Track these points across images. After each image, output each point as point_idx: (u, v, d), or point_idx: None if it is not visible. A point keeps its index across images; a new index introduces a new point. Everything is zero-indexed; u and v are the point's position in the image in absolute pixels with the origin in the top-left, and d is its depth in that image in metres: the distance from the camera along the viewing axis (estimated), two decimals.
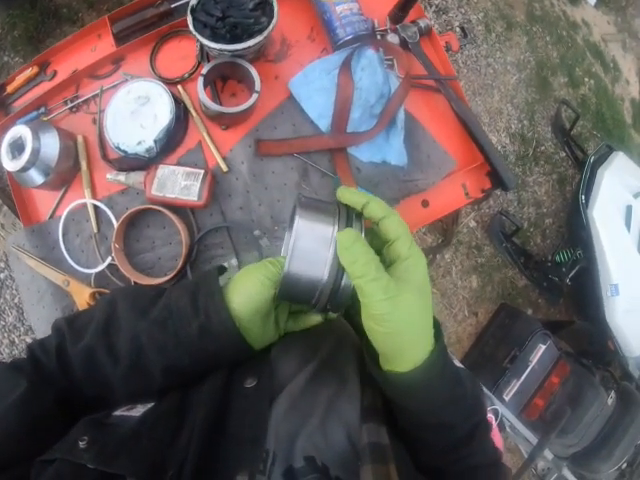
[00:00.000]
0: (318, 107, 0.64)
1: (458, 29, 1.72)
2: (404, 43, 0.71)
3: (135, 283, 0.63)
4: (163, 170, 0.62)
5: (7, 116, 0.67)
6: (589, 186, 1.34)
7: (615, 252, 1.24)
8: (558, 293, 1.46)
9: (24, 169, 0.61)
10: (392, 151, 0.66)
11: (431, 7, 1.72)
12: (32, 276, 0.64)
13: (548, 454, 1.02)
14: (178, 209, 0.63)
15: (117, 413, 0.33)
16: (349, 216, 0.34)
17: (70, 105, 0.66)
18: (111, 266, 0.63)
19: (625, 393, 1.15)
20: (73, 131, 0.66)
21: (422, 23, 0.74)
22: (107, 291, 0.62)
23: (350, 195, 0.34)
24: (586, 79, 2.02)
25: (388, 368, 0.34)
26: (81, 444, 0.28)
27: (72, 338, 0.36)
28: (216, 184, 0.63)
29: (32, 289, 0.64)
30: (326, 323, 0.40)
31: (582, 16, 2.17)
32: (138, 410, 0.33)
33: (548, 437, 0.94)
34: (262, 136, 0.63)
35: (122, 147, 0.63)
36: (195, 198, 0.60)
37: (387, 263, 0.33)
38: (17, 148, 0.61)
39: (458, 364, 1.26)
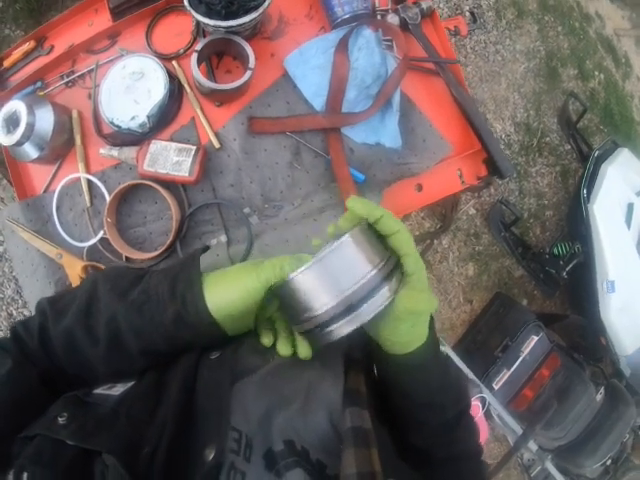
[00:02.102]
0: (313, 86, 0.62)
1: (468, 13, 1.66)
2: (404, 24, 0.69)
3: (127, 258, 0.63)
4: (155, 145, 0.60)
5: (3, 91, 0.66)
6: (592, 181, 1.30)
7: (613, 249, 1.21)
8: (554, 286, 1.43)
9: (19, 143, 0.60)
10: (386, 133, 0.64)
11: None
12: (26, 249, 0.64)
13: (532, 445, 1.02)
14: (170, 185, 0.62)
15: (97, 391, 0.33)
16: (395, 267, 0.33)
17: (66, 80, 0.65)
18: (103, 240, 0.63)
19: (614, 390, 1.14)
20: (68, 106, 0.65)
21: (424, 4, 0.72)
22: (99, 265, 0.62)
23: (363, 206, 0.33)
24: (596, 73, 1.95)
25: (392, 352, 0.37)
26: (60, 420, 0.28)
27: (54, 318, 0.35)
28: (208, 160, 0.62)
29: (26, 262, 0.64)
30: None
31: (596, 8, 2.09)
32: (118, 389, 0.33)
33: (532, 429, 0.94)
34: (256, 113, 0.62)
35: (116, 122, 0.62)
36: (186, 174, 0.59)
37: None
38: (12, 123, 0.60)
39: (450, 353, 1.26)
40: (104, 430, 0.28)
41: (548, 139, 1.72)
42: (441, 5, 1.65)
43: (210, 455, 0.28)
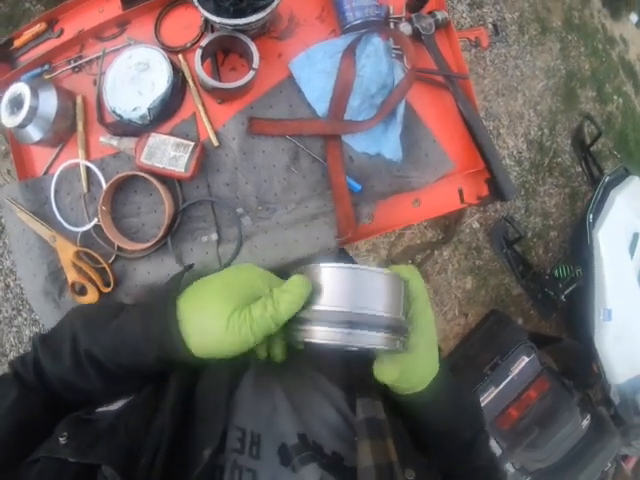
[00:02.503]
0: (317, 90, 0.60)
1: (490, 25, 1.62)
2: (417, 34, 0.66)
3: (118, 247, 0.62)
4: (154, 139, 0.59)
5: (12, 70, 0.65)
6: (599, 206, 1.27)
7: (614, 277, 1.18)
8: (551, 307, 1.40)
9: (22, 125, 0.60)
10: (388, 144, 0.62)
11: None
12: (22, 229, 0.63)
13: (510, 467, 1.00)
14: (166, 179, 0.61)
15: (99, 409, 0.34)
16: (404, 332, 0.34)
17: (73, 65, 0.64)
18: (97, 227, 0.62)
19: (600, 419, 1.11)
20: (74, 91, 0.64)
21: (440, 15, 0.69)
22: (92, 252, 0.61)
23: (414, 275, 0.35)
24: (615, 97, 1.90)
25: (405, 393, 0.36)
26: (61, 440, 0.28)
27: (45, 358, 0.35)
28: (206, 157, 0.60)
29: (22, 241, 0.63)
30: None
31: (621, 32, 2.03)
32: (118, 404, 0.33)
33: (511, 452, 0.91)
34: (257, 114, 0.60)
35: (118, 112, 0.60)
36: (182, 170, 0.58)
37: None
38: (16, 105, 0.60)
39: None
40: (103, 444, 0.28)
41: (560, 160, 1.68)
42: (464, 15, 1.61)
43: (207, 455, 0.28)
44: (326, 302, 0.30)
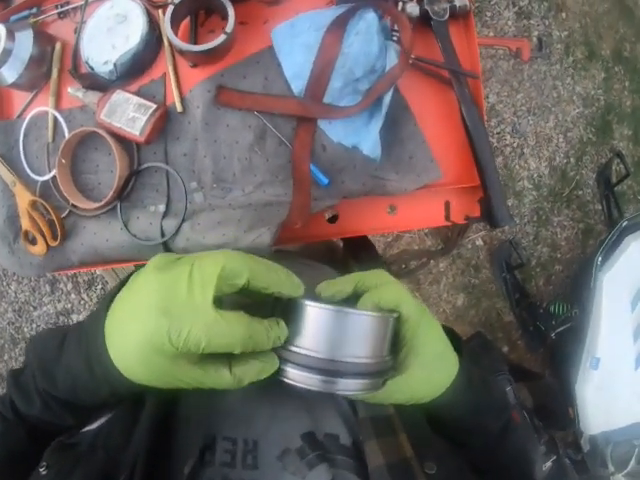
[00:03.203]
0: (296, 65, 0.48)
1: (535, 39, 1.41)
2: (426, 18, 0.52)
3: (73, 205, 0.54)
4: (118, 96, 0.50)
5: (4, 10, 0.57)
6: (611, 249, 1.09)
7: (610, 327, 1.02)
8: (540, 342, 1.23)
9: None
10: (368, 138, 0.49)
11: (514, 7, 1.41)
12: None
13: None
14: (126, 141, 0.51)
15: (82, 430, 0.30)
16: (390, 368, 0.29)
17: (59, 10, 0.56)
18: (56, 180, 0.54)
19: (561, 468, 0.95)
20: (56, 37, 0.56)
21: (458, 2, 0.55)
22: (45, 204, 0.54)
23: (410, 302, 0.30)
24: None
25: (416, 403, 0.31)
26: (41, 471, 0.26)
27: (18, 399, 0.30)
28: (168, 123, 0.51)
29: None
30: None
31: None
32: (100, 420, 0.30)
33: None
34: (227, 83, 0.49)
35: (91, 63, 0.52)
36: (137, 132, 0.49)
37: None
38: None
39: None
40: (81, 467, 0.25)
41: (581, 192, 1.46)
42: (509, 23, 1.40)
43: (187, 471, 0.24)
44: (304, 344, 0.26)
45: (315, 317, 0.26)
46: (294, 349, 0.26)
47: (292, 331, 0.27)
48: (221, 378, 0.25)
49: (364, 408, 0.29)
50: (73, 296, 1.27)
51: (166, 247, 0.49)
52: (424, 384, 0.30)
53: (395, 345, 0.29)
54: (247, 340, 0.24)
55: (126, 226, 0.51)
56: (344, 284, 0.29)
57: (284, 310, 0.28)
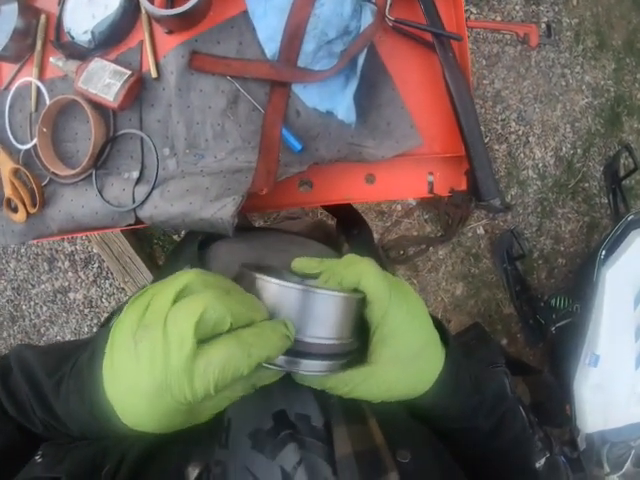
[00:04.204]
0: (270, 29, 0.47)
1: (544, 25, 1.34)
2: None
3: (53, 173, 0.53)
4: (95, 64, 0.50)
5: None
6: (615, 244, 1.03)
7: (611, 323, 0.96)
8: (540, 336, 1.18)
9: None
10: (344, 103, 0.47)
11: None
12: None
13: None
14: (102, 108, 0.51)
15: None
16: (352, 350, 0.28)
17: None
18: (37, 149, 0.54)
19: (553, 466, 0.90)
20: (41, 9, 0.56)
21: None
22: (26, 172, 0.53)
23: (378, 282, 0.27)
24: None
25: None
26: (37, 459, 0.25)
27: (15, 412, 0.29)
28: (144, 90, 0.50)
29: None
30: None
31: None
32: None
33: None
34: (201, 49, 0.48)
35: (72, 33, 0.52)
36: (111, 98, 0.48)
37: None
38: None
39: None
40: (72, 455, 0.25)
41: (587, 185, 1.39)
42: (517, 7, 1.35)
43: (193, 474, 0.22)
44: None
45: (278, 294, 0.25)
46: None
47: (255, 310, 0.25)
48: (235, 390, 0.24)
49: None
50: (70, 274, 1.29)
51: (136, 215, 0.48)
52: (396, 381, 0.27)
53: (361, 327, 0.27)
54: (249, 358, 0.22)
55: (100, 193, 0.51)
56: (314, 264, 0.28)
57: (248, 287, 0.26)
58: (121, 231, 1.14)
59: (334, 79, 0.48)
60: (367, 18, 0.45)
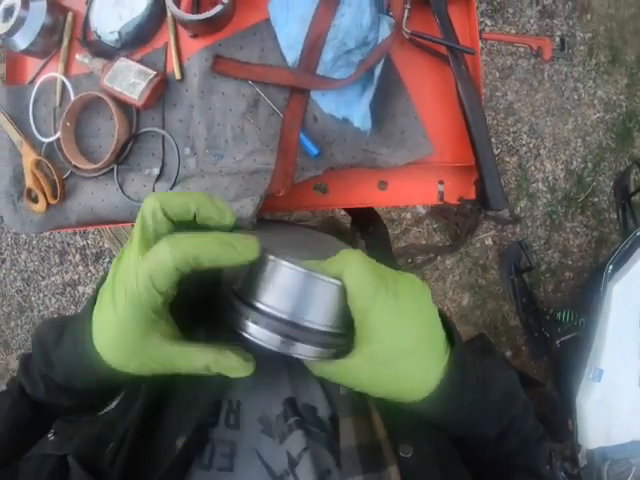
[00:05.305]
0: (291, 37, 0.50)
1: (558, 39, 1.39)
2: None
3: (74, 166, 0.57)
4: (121, 63, 0.54)
5: None
6: (623, 259, 1.05)
7: (616, 338, 0.98)
8: (545, 350, 1.20)
9: (9, 33, 0.57)
10: (360, 110, 0.51)
11: (537, 5, 1.40)
12: None
13: None
14: (127, 106, 0.54)
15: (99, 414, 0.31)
16: (339, 340, 0.28)
17: None
18: (60, 142, 0.57)
19: None
20: (68, 7, 0.59)
21: None
22: (49, 163, 0.57)
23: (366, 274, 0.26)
24: None
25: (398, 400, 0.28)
26: (49, 436, 0.27)
27: (27, 384, 0.32)
28: (167, 90, 0.54)
29: None
30: None
31: None
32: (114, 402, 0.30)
33: None
34: (225, 53, 0.52)
35: (98, 32, 0.56)
36: (136, 97, 0.52)
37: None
38: (9, 13, 0.58)
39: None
40: (80, 434, 0.26)
41: (596, 199, 1.42)
42: (531, 21, 1.39)
43: (179, 445, 0.24)
44: (271, 302, 0.26)
45: (286, 276, 0.26)
46: (261, 306, 0.26)
47: (256, 286, 0.27)
48: (188, 357, 0.25)
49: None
50: (81, 268, 1.32)
51: None
52: (370, 379, 0.26)
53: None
54: (176, 251, 0.23)
55: (121, 187, 0.54)
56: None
57: (253, 271, 0.28)
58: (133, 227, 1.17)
59: (351, 87, 0.51)
60: (385, 30, 0.49)
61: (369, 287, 0.25)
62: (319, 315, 0.26)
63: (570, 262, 1.38)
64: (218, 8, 0.48)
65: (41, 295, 1.35)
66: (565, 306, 1.20)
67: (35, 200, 0.59)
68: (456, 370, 0.26)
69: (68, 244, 1.33)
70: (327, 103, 0.52)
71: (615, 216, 1.37)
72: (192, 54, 0.53)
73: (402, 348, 0.25)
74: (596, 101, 1.45)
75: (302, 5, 0.50)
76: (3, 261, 1.35)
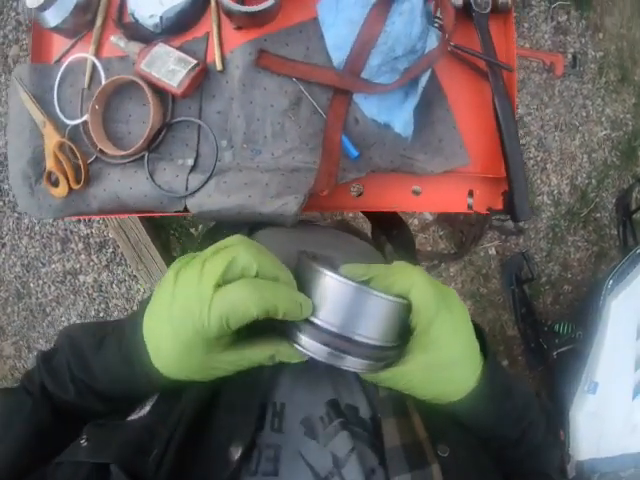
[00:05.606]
0: (338, 38, 0.51)
1: (570, 56, 1.43)
2: (468, 8, 0.55)
3: (100, 150, 0.56)
4: (160, 48, 0.53)
5: None
6: (622, 274, 1.10)
7: (612, 352, 1.02)
8: (541, 360, 1.24)
9: (41, 8, 0.55)
10: (401, 117, 0.52)
11: (552, 21, 1.44)
12: (20, 110, 0.60)
13: None
14: (162, 92, 0.54)
15: (129, 419, 0.30)
16: (393, 356, 0.30)
17: None
18: (86, 125, 0.56)
19: None
20: None
21: None
22: (74, 147, 0.56)
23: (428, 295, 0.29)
24: None
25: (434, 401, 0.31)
26: (82, 442, 0.26)
27: (51, 385, 0.32)
28: (206, 80, 0.54)
29: (17, 122, 0.60)
30: None
31: None
32: (145, 409, 0.30)
33: None
34: (269, 48, 0.52)
35: (135, 15, 0.55)
36: (175, 85, 0.51)
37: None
38: None
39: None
40: (117, 440, 0.26)
41: (598, 215, 1.47)
42: (546, 36, 1.43)
43: (236, 454, 0.24)
44: (322, 316, 0.27)
45: (333, 288, 0.27)
46: (313, 319, 0.27)
47: (310, 297, 0.27)
48: (255, 354, 0.27)
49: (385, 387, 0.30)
50: (83, 257, 1.30)
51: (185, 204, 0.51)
52: (425, 385, 0.29)
53: (404, 333, 0.30)
54: (259, 300, 0.25)
55: (152, 176, 0.53)
56: (362, 270, 0.30)
57: (303, 279, 0.29)
58: (139, 218, 1.17)
59: (393, 93, 0.52)
60: (432, 42, 0.50)
61: (433, 302, 0.28)
62: (374, 330, 0.27)
63: (570, 275, 1.43)
64: (270, 2, 0.48)
65: (40, 282, 1.32)
66: (563, 318, 1.24)
67: (55, 184, 0.58)
68: (488, 376, 0.30)
69: (71, 232, 1.29)
70: (369, 107, 0.52)
71: (615, 232, 1.43)
72: (236, 46, 0.52)
73: (454, 356, 0.29)
74: (604, 119, 1.50)
75: (352, 8, 0.50)
76: (3, 245, 1.31)
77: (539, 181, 1.45)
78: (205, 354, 0.26)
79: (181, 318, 0.25)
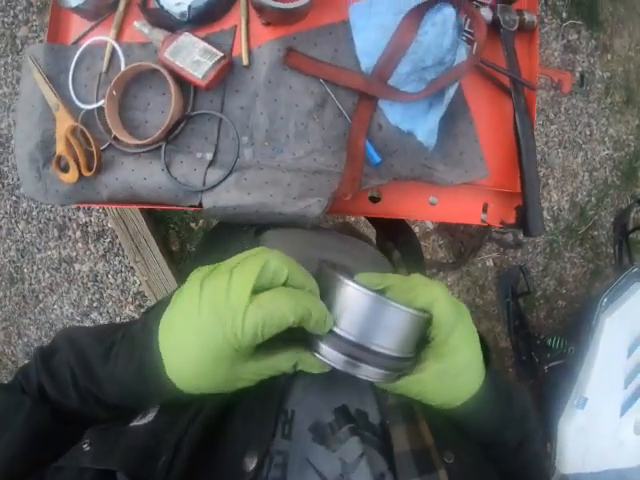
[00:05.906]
0: (368, 43, 0.52)
1: (578, 74, 1.47)
2: (496, 25, 0.56)
3: (115, 138, 0.55)
4: (185, 38, 0.53)
5: None
6: (617, 293, 1.14)
7: (603, 369, 1.06)
8: (532, 373, 1.28)
9: None
10: (425, 126, 0.53)
11: (562, 39, 1.48)
12: (32, 90, 0.58)
13: None
14: (183, 83, 0.54)
15: (132, 424, 0.30)
16: (409, 366, 0.31)
17: None
18: (102, 111, 0.56)
19: None
20: None
21: (528, 17, 0.59)
22: (87, 132, 0.55)
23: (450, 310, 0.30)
24: None
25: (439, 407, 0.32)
26: (84, 447, 0.26)
27: (50, 388, 0.31)
28: (230, 74, 0.54)
29: (27, 102, 0.59)
30: None
31: None
32: (149, 416, 0.29)
33: None
34: (297, 47, 0.53)
35: (161, 1, 0.54)
36: (200, 76, 0.51)
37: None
38: None
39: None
40: (122, 447, 0.25)
41: (596, 233, 1.52)
42: (555, 54, 1.47)
43: (251, 465, 0.24)
44: (343, 325, 0.28)
45: (355, 299, 0.27)
46: (334, 329, 0.28)
47: (329, 307, 0.28)
48: (280, 363, 0.28)
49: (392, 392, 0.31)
50: (80, 245, 1.28)
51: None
52: (438, 392, 0.30)
53: (420, 344, 0.31)
54: (296, 307, 0.25)
55: (168, 168, 0.53)
56: (377, 279, 0.30)
57: (323, 287, 0.29)
58: (139, 210, 1.15)
59: (418, 103, 0.53)
60: (461, 55, 0.51)
61: (452, 316, 0.30)
62: (394, 341, 0.28)
63: (564, 291, 1.48)
64: (302, 2, 0.49)
65: (35, 268, 1.30)
66: (556, 333, 1.27)
67: (65, 169, 0.57)
68: (491, 383, 0.32)
69: (70, 219, 1.27)
70: (393, 114, 0.53)
71: (612, 251, 1.48)
72: (264, 42, 0.53)
73: (466, 363, 0.31)
74: (607, 138, 1.55)
75: (384, 15, 0.51)
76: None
77: (540, 197, 1.49)
78: (232, 365, 0.26)
79: (210, 328, 0.25)
